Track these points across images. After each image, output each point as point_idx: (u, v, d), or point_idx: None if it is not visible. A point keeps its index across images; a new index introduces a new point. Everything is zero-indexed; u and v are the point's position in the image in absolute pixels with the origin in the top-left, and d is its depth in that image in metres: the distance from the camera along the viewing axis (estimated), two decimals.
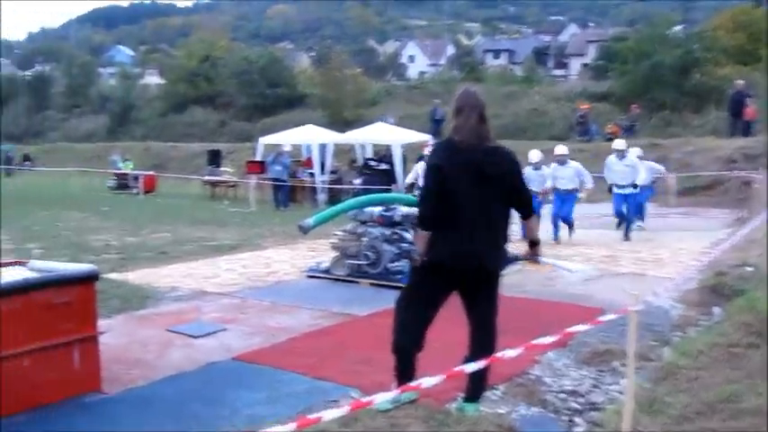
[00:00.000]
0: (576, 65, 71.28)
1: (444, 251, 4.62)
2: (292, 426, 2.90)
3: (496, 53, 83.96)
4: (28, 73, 65.49)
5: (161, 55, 67.88)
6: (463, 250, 4.60)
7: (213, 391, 5.59)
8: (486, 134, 4.67)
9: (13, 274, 5.72)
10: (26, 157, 39.61)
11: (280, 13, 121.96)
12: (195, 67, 46.33)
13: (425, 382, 3.57)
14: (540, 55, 77.83)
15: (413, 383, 4.13)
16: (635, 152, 14.31)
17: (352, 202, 10.16)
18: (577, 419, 5.08)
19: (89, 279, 5.60)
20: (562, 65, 77.65)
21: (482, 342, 4.78)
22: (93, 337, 5.61)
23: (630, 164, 13.61)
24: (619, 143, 14.32)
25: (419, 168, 14.30)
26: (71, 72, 56.85)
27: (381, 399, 3.52)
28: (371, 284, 9.50)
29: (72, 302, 5.41)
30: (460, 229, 4.60)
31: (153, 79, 65.70)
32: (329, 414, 3.09)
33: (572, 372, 6.06)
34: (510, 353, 4.00)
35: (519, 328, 6.51)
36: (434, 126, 29.12)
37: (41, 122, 53.08)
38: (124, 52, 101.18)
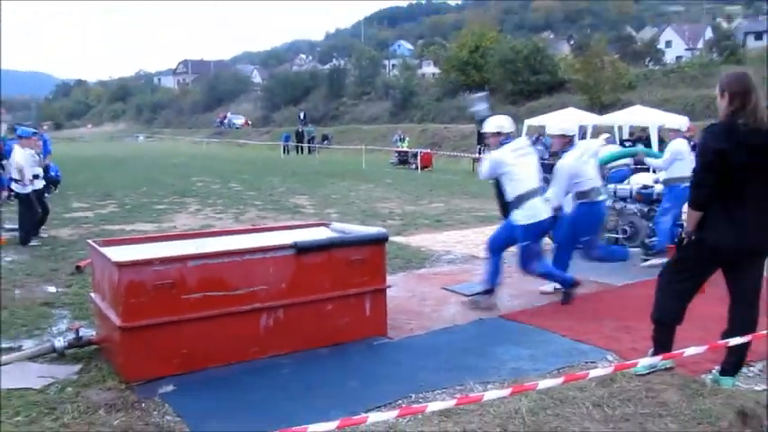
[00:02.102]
0: None
1: (723, 234, 4.25)
2: (560, 379, 2.87)
3: (758, 35, 75.80)
4: (326, 67, 69.82)
5: (436, 47, 69.10)
6: (739, 233, 4.22)
7: (482, 345, 5.66)
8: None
9: (320, 234, 6.18)
10: (325, 137, 42.35)
11: (543, 6, 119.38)
12: (466, 57, 46.74)
13: (688, 351, 3.36)
14: None
15: (675, 352, 3.91)
16: None
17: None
18: None
19: (380, 241, 5.89)
20: None
21: (745, 318, 4.39)
22: (382, 290, 5.91)
23: None
24: None
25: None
26: (361, 65, 59.77)
27: (644, 362, 3.37)
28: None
29: (365, 260, 5.73)
30: (741, 213, 4.22)
31: (429, 69, 67.31)
32: (594, 372, 3.02)
33: None
34: None
35: None
36: None
37: (337, 108, 56.45)
38: (405, 46, 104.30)
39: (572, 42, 72.22)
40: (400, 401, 4.42)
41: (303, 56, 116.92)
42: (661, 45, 76.71)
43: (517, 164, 6.52)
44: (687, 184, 8.28)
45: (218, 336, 5.12)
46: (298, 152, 40.61)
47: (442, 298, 7.13)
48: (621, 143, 21.29)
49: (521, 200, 6.49)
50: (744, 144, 4.14)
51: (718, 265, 4.44)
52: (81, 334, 5.56)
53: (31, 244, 10.56)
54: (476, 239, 10.75)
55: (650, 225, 9.17)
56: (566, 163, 7.15)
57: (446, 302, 6.96)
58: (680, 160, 8.50)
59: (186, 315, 5.00)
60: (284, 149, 40.40)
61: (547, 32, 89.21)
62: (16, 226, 11.02)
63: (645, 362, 3.46)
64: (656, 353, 4.54)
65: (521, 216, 6.50)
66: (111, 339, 5.16)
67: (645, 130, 21.12)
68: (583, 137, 22.24)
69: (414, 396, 4.51)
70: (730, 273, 4.43)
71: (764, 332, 3.88)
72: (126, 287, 4.82)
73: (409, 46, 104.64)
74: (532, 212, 6.49)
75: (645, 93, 34.90)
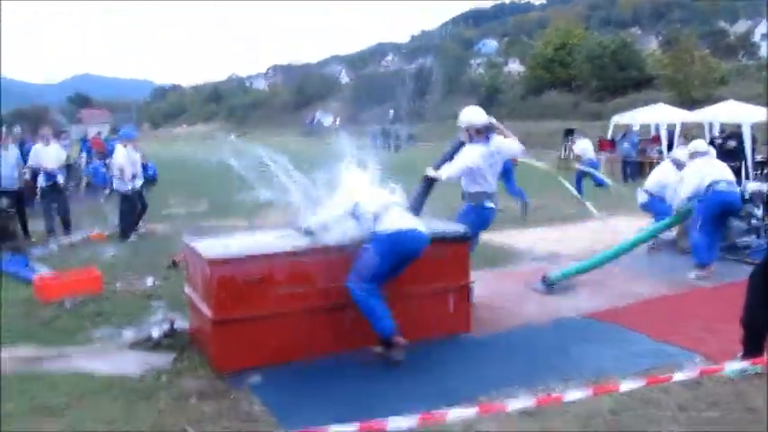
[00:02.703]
0: None
1: None
2: (643, 381, 2.79)
3: None
4: (412, 66, 69.91)
5: (522, 45, 68.34)
6: None
7: (563, 343, 5.57)
8: None
9: None
10: (410, 135, 42.39)
11: (630, 1, 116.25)
12: (552, 54, 46.06)
13: None
14: None
15: (765, 357, 3.75)
16: None
17: (605, 255, 8.13)
18: None
19: (464, 239, 5.87)
20: None
21: None
22: (465, 286, 5.89)
23: None
24: None
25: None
26: (446, 63, 59.63)
27: (730, 367, 3.24)
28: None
29: (450, 256, 5.72)
30: None
31: (514, 67, 66.56)
32: (678, 376, 2.92)
33: None
34: None
35: None
36: None
37: (422, 106, 56.45)
38: (490, 45, 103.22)
39: (660, 38, 69.92)
40: (481, 398, 4.39)
41: (390, 57, 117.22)
42: (756, 38, 73.39)
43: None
44: (716, 188, 7.80)
45: (305, 330, 5.21)
46: (389, 150, 40.77)
47: (525, 296, 7.04)
48: (711, 141, 20.52)
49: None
50: None
51: None
52: (176, 325, 5.77)
53: (130, 239, 10.98)
54: (558, 236, 10.61)
55: (743, 225, 8.82)
56: (474, 150, 6.50)
57: (528, 300, 6.87)
58: (699, 179, 7.95)
59: (274, 309, 5.11)
60: None
61: (634, 28, 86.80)
62: (117, 221, 11.49)
63: (733, 366, 3.32)
64: (745, 356, 4.36)
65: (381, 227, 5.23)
66: (204, 331, 5.33)
67: (738, 127, 20.25)
68: (671, 133, 21.57)
69: (495, 393, 4.46)
70: None
71: None
72: (217, 282, 4.97)
73: (495, 44, 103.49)
74: (390, 221, 5.25)
75: (738, 88, 33.54)
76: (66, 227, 11.44)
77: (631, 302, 6.82)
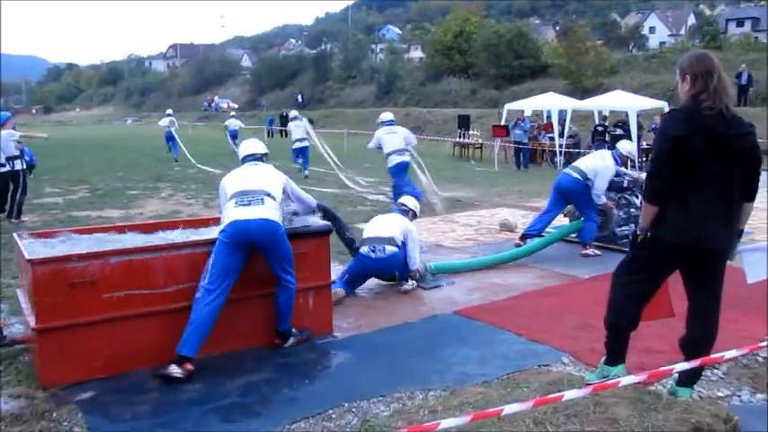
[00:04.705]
0: None
1: (677, 229, 3.73)
2: (469, 416, 2.46)
3: (739, 21, 75.20)
4: (314, 51, 69.13)
5: (422, 32, 68.46)
6: (699, 230, 3.70)
7: (431, 345, 5.19)
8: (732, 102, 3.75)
9: None
10: (310, 121, 41.61)
11: None
12: (450, 41, 46.24)
13: (624, 380, 2.99)
14: None
15: (610, 381, 3.50)
16: None
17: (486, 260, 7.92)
18: None
19: (324, 233, 5.44)
20: None
21: (702, 327, 3.91)
22: (326, 285, 5.46)
23: None
24: None
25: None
26: (348, 48, 59.16)
27: (570, 395, 2.94)
28: (597, 246, 8.66)
29: (308, 253, 5.27)
30: (697, 207, 3.69)
31: (416, 53, 66.76)
32: (510, 408, 2.60)
33: None
34: (731, 354, 3.25)
35: (750, 305, 5.59)
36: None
37: (322, 91, 55.82)
38: (393, 31, 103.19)
39: (557, 28, 71.49)
40: (331, 411, 3.99)
41: (293, 40, 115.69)
42: (645, 31, 76.21)
43: None
44: None
45: (145, 336, 4.66)
46: (282, 136, 39.93)
47: (398, 292, 6.66)
48: (595, 128, 21.05)
49: None
50: (705, 130, 3.61)
51: (676, 265, 3.92)
52: (5, 333, 5.11)
53: None
54: (445, 227, 10.34)
55: (621, 214, 8.77)
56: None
57: (401, 297, 6.50)
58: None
59: (109, 315, 4.54)
60: (268, 133, 39.69)
61: (533, 18, 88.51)
62: None
63: (571, 395, 3.03)
64: (609, 360, 4.12)
65: None
66: (30, 340, 4.72)
67: (626, 114, 20.79)
68: (563, 123, 21.82)
69: (347, 405, 4.07)
70: (688, 274, 3.92)
71: (716, 355, 3.49)
72: (40, 285, 4.36)
73: (398, 30, 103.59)
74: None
75: (627, 78, 34.46)
76: None
77: (508, 297, 6.55)
